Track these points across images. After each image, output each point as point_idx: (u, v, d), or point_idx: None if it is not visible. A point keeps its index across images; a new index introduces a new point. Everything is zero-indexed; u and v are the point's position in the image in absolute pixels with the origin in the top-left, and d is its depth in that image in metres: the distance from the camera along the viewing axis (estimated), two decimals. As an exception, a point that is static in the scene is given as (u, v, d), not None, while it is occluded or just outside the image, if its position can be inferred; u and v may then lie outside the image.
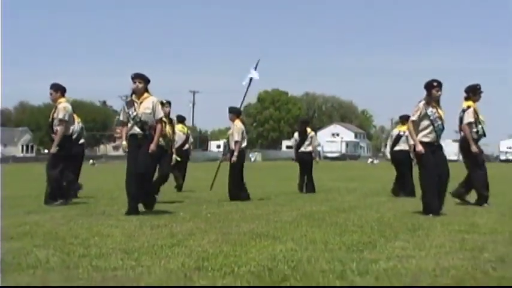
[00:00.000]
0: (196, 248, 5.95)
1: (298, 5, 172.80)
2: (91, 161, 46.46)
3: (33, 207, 10.19)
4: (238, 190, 12.12)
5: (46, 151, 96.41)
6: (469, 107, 11.02)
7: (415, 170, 10.97)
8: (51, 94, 10.97)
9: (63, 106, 10.76)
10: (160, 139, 11.20)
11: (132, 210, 9.10)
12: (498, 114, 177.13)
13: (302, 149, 15.02)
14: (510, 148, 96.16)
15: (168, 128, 11.52)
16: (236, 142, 12.29)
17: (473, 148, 10.92)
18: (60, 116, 10.66)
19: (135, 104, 9.37)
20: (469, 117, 10.96)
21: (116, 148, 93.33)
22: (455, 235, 6.98)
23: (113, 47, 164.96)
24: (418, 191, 10.17)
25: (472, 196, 11.36)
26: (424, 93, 9.66)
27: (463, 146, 11.22)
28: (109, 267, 4.99)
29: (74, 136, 11.61)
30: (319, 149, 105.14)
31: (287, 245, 6.15)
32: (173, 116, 14.53)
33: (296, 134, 15.43)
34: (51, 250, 5.77)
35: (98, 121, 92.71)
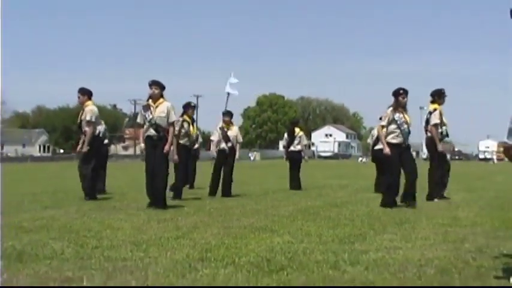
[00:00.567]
0: (200, 240, 5.95)
1: (297, 17, 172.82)
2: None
3: (49, 203, 10.18)
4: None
5: (61, 151, 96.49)
6: (435, 110, 11.08)
7: None
8: (78, 97, 11.03)
9: (90, 109, 10.82)
10: (185, 139, 11.23)
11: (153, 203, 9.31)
12: (477, 117, 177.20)
13: (292, 148, 14.93)
14: (488, 148, 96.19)
15: (192, 128, 11.51)
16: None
17: (440, 147, 11.00)
18: (88, 117, 10.72)
19: (151, 108, 9.53)
20: (435, 119, 11.01)
21: (125, 148, 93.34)
22: (439, 228, 6.99)
23: (123, 54, 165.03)
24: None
25: (452, 192, 11.36)
26: (392, 99, 9.87)
27: (428, 145, 11.28)
28: (119, 257, 4.99)
29: (101, 136, 11.67)
30: (313, 148, 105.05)
31: (284, 237, 6.15)
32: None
33: (286, 134, 15.40)
34: (66, 242, 5.76)
35: (109, 123, 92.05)
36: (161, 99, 9.57)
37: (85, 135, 10.71)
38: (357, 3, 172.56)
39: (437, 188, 11.01)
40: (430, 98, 11.25)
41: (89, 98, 10.98)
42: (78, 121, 10.98)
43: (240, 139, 12.66)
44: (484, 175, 26.47)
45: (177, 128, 11.22)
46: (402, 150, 9.79)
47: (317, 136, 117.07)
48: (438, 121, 10.97)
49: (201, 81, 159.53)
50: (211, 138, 12.62)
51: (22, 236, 6.18)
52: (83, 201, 10.46)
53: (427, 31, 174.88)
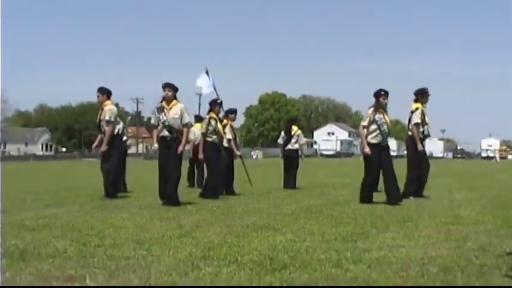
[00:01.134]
0: (203, 238, 5.95)
1: (299, 15, 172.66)
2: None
3: (52, 201, 10.20)
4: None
5: (64, 149, 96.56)
6: (417, 109, 11.08)
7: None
8: (98, 97, 11.05)
9: (109, 108, 10.84)
10: (214, 136, 11.16)
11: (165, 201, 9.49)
12: (480, 115, 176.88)
13: (289, 146, 14.72)
14: (490, 146, 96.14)
15: (219, 126, 11.44)
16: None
17: (419, 147, 11.04)
18: (107, 117, 10.74)
19: (165, 110, 9.68)
20: (416, 118, 11.03)
21: (128, 146, 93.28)
22: (441, 226, 6.98)
23: (125, 53, 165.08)
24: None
25: (454, 191, 11.35)
26: (373, 100, 10.10)
27: (409, 144, 11.29)
28: (122, 256, 4.99)
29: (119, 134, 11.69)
30: (315, 146, 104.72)
31: (287, 236, 6.14)
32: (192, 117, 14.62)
33: (283, 133, 15.31)
34: (68, 241, 5.77)
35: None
36: (174, 101, 9.73)
37: (104, 135, 10.74)
38: (359, 2, 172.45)
39: (412, 187, 11.03)
40: (413, 97, 11.25)
41: (108, 98, 10.99)
42: (97, 120, 10.99)
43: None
44: (486, 173, 26.45)
45: (204, 126, 11.30)
46: (381, 149, 10.07)
47: (319, 134, 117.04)
48: (419, 120, 11.00)
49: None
50: (228, 137, 12.47)
51: (25, 234, 6.19)
52: (85, 199, 10.48)
53: (428, 31, 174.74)
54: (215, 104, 11.64)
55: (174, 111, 9.64)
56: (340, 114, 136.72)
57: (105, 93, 11.01)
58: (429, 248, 5.45)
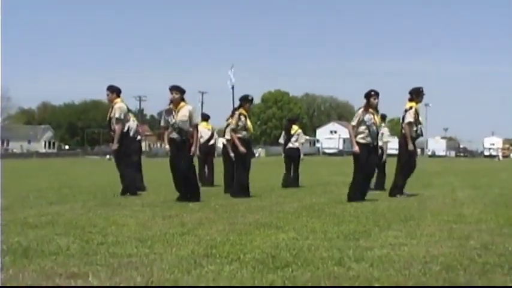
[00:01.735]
0: (205, 236, 5.95)
1: (301, 13, 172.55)
2: (107, 156, 46.48)
3: (55, 199, 10.22)
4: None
5: (67, 147, 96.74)
6: (411, 108, 11.08)
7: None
8: (107, 95, 11.11)
9: (119, 106, 10.86)
10: (244, 132, 11.07)
11: (182, 199, 9.76)
12: (482, 114, 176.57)
13: (290, 145, 14.75)
14: (493, 144, 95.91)
15: (249, 122, 11.26)
16: None
17: (410, 146, 11.08)
18: (117, 115, 10.78)
19: (173, 112, 9.81)
20: (409, 117, 11.05)
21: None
22: (444, 225, 6.97)
23: (127, 50, 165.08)
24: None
25: (457, 189, 11.34)
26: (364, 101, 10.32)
27: (401, 142, 11.31)
28: (124, 254, 4.99)
29: (131, 133, 11.66)
30: (318, 145, 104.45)
31: (289, 234, 6.14)
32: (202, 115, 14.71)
33: (284, 132, 15.26)
34: (71, 238, 5.78)
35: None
36: (182, 103, 9.85)
37: (114, 133, 10.75)
38: (363, 1, 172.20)
39: (399, 185, 11.15)
40: (408, 96, 11.26)
41: (118, 96, 11.02)
42: (108, 118, 11.02)
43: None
44: (489, 172, 26.42)
45: (233, 122, 11.19)
46: (370, 149, 10.27)
47: (322, 133, 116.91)
48: (412, 120, 11.02)
49: (206, 77, 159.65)
50: (227, 137, 12.47)
51: (28, 231, 6.20)
52: (88, 197, 10.49)
53: (432, 29, 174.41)
54: (246, 101, 11.39)
55: (182, 113, 9.77)
56: (342, 113, 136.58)
57: (114, 91, 11.03)
58: (431, 246, 5.45)
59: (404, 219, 7.52)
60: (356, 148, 10.19)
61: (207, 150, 15.02)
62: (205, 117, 15.70)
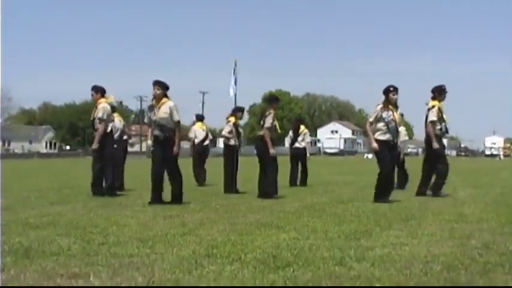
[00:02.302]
0: (206, 236, 5.95)
1: (302, 13, 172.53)
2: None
3: (56, 199, 10.22)
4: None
5: (68, 147, 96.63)
6: (433, 106, 11.06)
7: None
8: (92, 95, 11.10)
9: (102, 106, 10.85)
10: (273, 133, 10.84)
11: (154, 200, 9.36)
12: (483, 113, 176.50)
13: (296, 144, 14.87)
14: (494, 144, 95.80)
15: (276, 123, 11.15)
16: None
17: (434, 145, 11.03)
18: (100, 115, 10.74)
19: (155, 109, 9.57)
20: (432, 116, 11.03)
21: (131, 145, 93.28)
22: (445, 224, 6.97)
23: (128, 51, 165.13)
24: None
25: (458, 189, 11.31)
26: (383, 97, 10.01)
27: (427, 141, 11.29)
28: (126, 254, 4.99)
29: (117, 133, 11.67)
30: (319, 145, 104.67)
31: (290, 234, 6.14)
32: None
33: (291, 132, 15.38)
34: (72, 238, 5.78)
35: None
36: (164, 99, 9.53)
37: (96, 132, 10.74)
38: (362, 1, 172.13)
39: (425, 185, 11.14)
40: (431, 95, 11.25)
41: (102, 96, 11.01)
42: (91, 118, 11.00)
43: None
44: (490, 171, 26.38)
45: (269, 121, 10.76)
46: (390, 147, 10.01)
47: (323, 132, 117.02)
48: (435, 118, 11.00)
49: (206, 78, 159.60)
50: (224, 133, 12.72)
51: (29, 232, 6.20)
52: (89, 197, 10.49)
53: (432, 30, 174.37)
54: (276, 101, 11.45)
55: (163, 110, 9.45)
56: (343, 112, 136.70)
57: (98, 91, 11.04)
58: (432, 246, 5.44)
59: (405, 218, 7.52)
60: (375, 145, 9.87)
61: (202, 150, 15.15)
62: (200, 118, 15.83)
